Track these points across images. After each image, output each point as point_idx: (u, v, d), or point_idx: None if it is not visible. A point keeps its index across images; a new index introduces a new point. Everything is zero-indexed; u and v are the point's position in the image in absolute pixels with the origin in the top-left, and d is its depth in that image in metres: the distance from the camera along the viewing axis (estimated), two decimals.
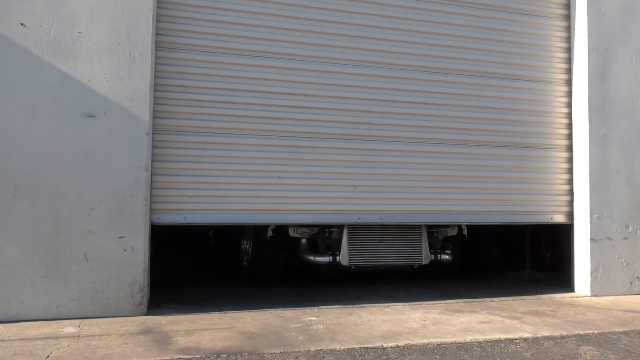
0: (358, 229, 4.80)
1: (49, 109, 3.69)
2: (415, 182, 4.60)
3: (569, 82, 5.01)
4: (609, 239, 4.79)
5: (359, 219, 4.48)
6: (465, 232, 5.37)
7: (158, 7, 4.05)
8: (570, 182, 4.97)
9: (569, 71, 5.01)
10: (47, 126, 3.68)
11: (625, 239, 4.84)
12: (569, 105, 5.00)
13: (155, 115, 4.02)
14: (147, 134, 3.85)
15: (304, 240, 4.88)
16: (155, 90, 4.02)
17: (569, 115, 5.00)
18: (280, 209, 4.29)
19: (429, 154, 4.65)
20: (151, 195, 3.93)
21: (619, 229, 4.83)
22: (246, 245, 5.47)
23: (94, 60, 3.78)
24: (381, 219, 4.53)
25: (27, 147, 3.64)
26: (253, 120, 4.26)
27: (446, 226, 5.24)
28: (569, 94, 5.00)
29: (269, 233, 4.83)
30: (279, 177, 4.27)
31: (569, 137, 4.99)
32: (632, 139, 4.93)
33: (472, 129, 4.76)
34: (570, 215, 4.95)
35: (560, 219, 4.96)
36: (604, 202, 4.80)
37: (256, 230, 5.07)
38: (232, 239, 6.39)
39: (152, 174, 3.95)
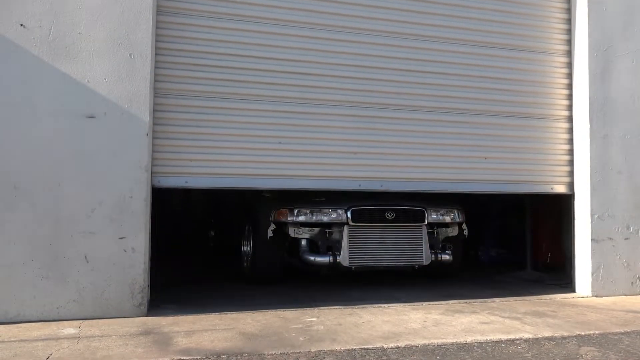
0: (358, 229, 4.80)
1: (49, 109, 3.68)
2: (415, 150, 4.62)
3: (568, 54, 5.02)
4: (610, 239, 4.78)
5: (359, 185, 4.49)
6: (465, 232, 5.37)
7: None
8: (570, 152, 4.98)
9: (569, 42, 5.02)
10: (47, 127, 3.68)
11: (626, 239, 4.83)
12: (569, 76, 5.01)
13: (156, 79, 4.02)
14: (147, 134, 3.85)
15: (304, 241, 4.87)
16: (156, 55, 4.02)
17: (569, 86, 5.01)
18: (280, 175, 4.30)
19: (430, 123, 4.67)
20: (152, 159, 3.94)
21: (620, 229, 4.82)
22: (246, 245, 5.47)
23: (94, 60, 3.78)
24: (381, 186, 4.53)
25: (27, 148, 3.64)
26: (254, 85, 4.27)
27: (446, 226, 5.23)
28: (569, 65, 5.01)
29: (269, 234, 4.83)
30: (280, 142, 4.29)
31: (569, 107, 5.00)
32: (633, 139, 4.92)
33: (472, 98, 4.78)
34: (571, 186, 4.96)
35: (560, 189, 4.97)
36: (605, 202, 4.79)
37: (256, 231, 5.07)
38: (232, 240, 6.38)
39: (152, 137, 3.96)
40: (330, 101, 4.44)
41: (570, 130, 4.99)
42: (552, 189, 4.95)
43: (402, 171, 4.58)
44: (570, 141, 4.99)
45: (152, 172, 3.93)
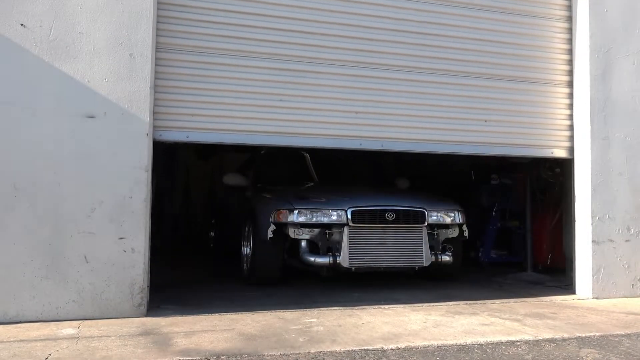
0: (358, 230, 4.79)
1: (49, 109, 3.68)
2: (416, 111, 4.63)
3: (569, 19, 5.03)
4: (611, 240, 4.77)
5: (360, 144, 4.50)
6: (466, 233, 5.36)
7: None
8: (570, 117, 5.00)
9: (569, 8, 5.03)
10: (47, 127, 3.67)
11: (627, 240, 4.82)
12: (570, 41, 5.03)
13: (158, 34, 4.03)
14: (147, 134, 3.84)
15: (304, 242, 4.86)
16: (158, 9, 4.02)
17: (570, 52, 5.03)
18: (281, 132, 4.31)
19: (431, 84, 4.68)
20: (154, 113, 3.95)
21: (620, 230, 4.81)
22: (246, 246, 5.46)
23: (94, 60, 3.78)
24: (382, 145, 4.55)
25: (27, 148, 3.63)
26: (256, 43, 4.28)
27: (447, 227, 5.22)
28: (570, 30, 5.03)
29: (269, 234, 4.82)
30: (281, 100, 4.30)
31: (570, 73, 5.02)
32: (634, 140, 4.91)
33: (473, 61, 4.79)
34: (571, 150, 4.98)
35: (560, 153, 5.00)
36: (605, 203, 4.78)
37: (256, 232, 5.06)
38: (232, 241, 6.38)
39: (155, 92, 3.97)
40: (333, 60, 4.45)
41: (571, 96, 5.01)
42: (552, 152, 4.99)
43: (403, 132, 4.60)
44: (571, 106, 5.01)
45: (154, 126, 3.95)
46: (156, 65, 4.01)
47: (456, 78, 4.74)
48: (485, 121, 4.79)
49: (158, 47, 4.03)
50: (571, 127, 4.99)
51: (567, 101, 5.01)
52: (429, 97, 4.67)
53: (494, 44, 4.85)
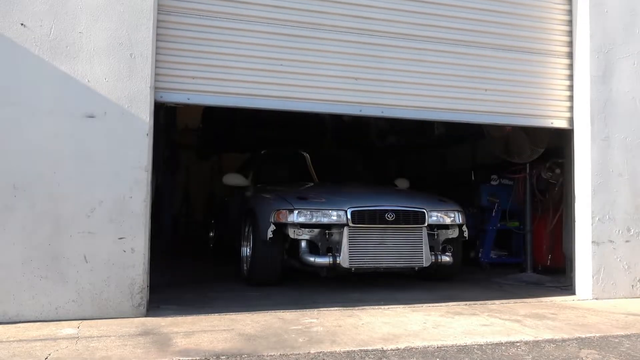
0: (358, 231, 4.79)
1: (49, 109, 3.68)
2: (416, 79, 4.64)
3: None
4: (611, 241, 4.77)
5: (360, 110, 4.51)
6: (466, 234, 5.36)
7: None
8: (570, 88, 5.01)
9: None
10: (47, 126, 3.67)
11: (627, 241, 4.82)
12: (569, 12, 5.04)
13: None
14: (147, 134, 3.84)
15: (303, 242, 4.86)
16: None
17: (569, 23, 5.04)
18: (281, 96, 4.32)
19: (431, 53, 4.69)
20: (155, 74, 3.96)
21: (620, 231, 4.81)
22: (246, 246, 5.46)
23: (94, 60, 3.78)
24: (382, 112, 4.56)
25: (27, 147, 3.63)
26: (258, 7, 4.28)
27: (446, 228, 5.22)
28: (570, 1, 5.04)
29: (269, 235, 4.82)
30: (281, 65, 4.31)
31: (570, 44, 5.04)
32: (634, 141, 4.91)
33: (474, 30, 4.79)
34: (571, 120, 4.99)
35: (560, 123, 5.01)
36: (605, 204, 4.78)
37: (256, 232, 5.06)
38: (232, 241, 6.38)
39: (155, 54, 3.97)
40: (334, 27, 4.46)
41: (570, 67, 5.03)
42: (552, 123, 5.00)
43: (403, 99, 4.61)
44: (570, 77, 5.02)
45: (155, 88, 3.96)
46: (158, 27, 4.01)
47: (457, 47, 4.75)
48: (485, 90, 4.81)
49: (160, 9, 4.03)
50: (571, 98, 5.01)
51: (567, 72, 5.03)
52: (429, 65, 4.68)
53: (494, 14, 4.86)
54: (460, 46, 4.76)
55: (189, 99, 4.11)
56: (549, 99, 4.99)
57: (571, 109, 5.01)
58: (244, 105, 4.29)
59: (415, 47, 4.65)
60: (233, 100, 4.23)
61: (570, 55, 5.03)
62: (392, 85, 4.58)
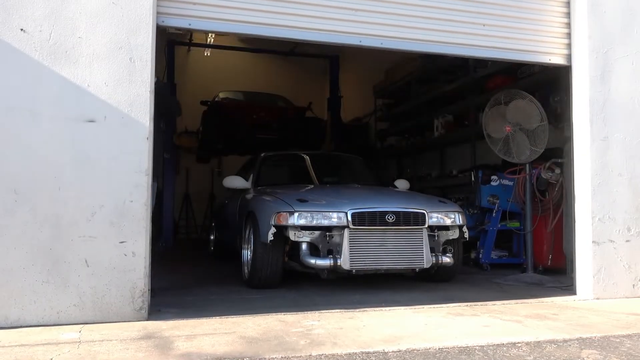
0: (359, 232, 4.79)
1: (49, 113, 3.69)
2: (416, 11, 4.65)
3: None
4: (611, 241, 4.77)
5: (360, 42, 4.53)
6: (466, 235, 5.36)
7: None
8: (568, 26, 5.04)
9: None
10: (47, 131, 3.68)
11: (627, 241, 4.82)
12: None
13: None
14: (147, 138, 3.85)
15: (304, 244, 4.86)
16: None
17: None
18: (280, 25, 4.33)
19: None
20: None
21: (620, 231, 4.81)
22: (247, 249, 5.46)
23: (94, 65, 3.79)
24: (382, 44, 4.57)
25: (27, 152, 3.64)
26: None
27: (447, 229, 5.22)
28: None
29: (270, 237, 4.82)
30: None
31: None
32: (634, 140, 4.91)
33: None
34: (568, 57, 5.03)
35: (558, 60, 5.04)
36: (605, 204, 4.78)
37: (256, 234, 5.06)
38: (232, 244, 6.38)
39: None
40: None
41: (567, 5, 5.06)
42: (549, 60, 5.03)
43: (403, 31, 4.62)
44: (568, 15, 5.05)
45: (157, 12, 3.98)
46: None
47: None
48: (484, 25, 4.82)
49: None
50: (568, 35, 5.04)
51: (565, 9, 5.05)
52: None
53: None
54: None
55: (190, 25, 4.16)
56: (547, 36, 5.02)
57: (569, 46, 5.04)
58: (242, 32, 4.33)
59: None
60: (233, 27, 4.27)
61: None
62: (392, 17, 4.59)
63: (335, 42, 4.58)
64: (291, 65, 14.58)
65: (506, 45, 4.92)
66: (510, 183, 6.57)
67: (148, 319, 3.78)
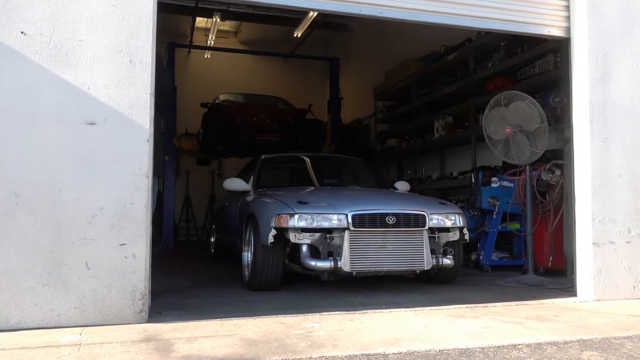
0: (359, 234, 4.79)
1: (49, 116, 3.69)
2: None
3: None
4: (612, 242, 4.77)
5: (360, 10, 4.54)
6: (467, 236, 5.36)
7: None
8: None
9: None
10: (47, 133, 3.68)
11: (627, 242, 4.82)
12: None
13: None
14: (147, 140, 3.85)
15: (304, 246, 4.86)
16: None
17: None
18: None
19: None
20: None
21: (621, 232, 4.81)
22: (247, 251, 5.46)
23: (94, 67, 3.79)
24: (381, 13, 4.59)
25: (27, 155, 3.64)
26: None
27: (447, 231, 5.22)
28: None
29: (270, 239, 4.82)
30: None
31: None
32: (634, 142, 4.91)
33: None
34: (567, 30, 5.06)
35: (556, 32, 5.07)
36: (605, 205, 4.78)
37: (257, 237, 5.06)
38: (232, 246, 6.38)
39: None
40: None
41: None
42: (548, 32, 5.07)
43: (403, 1, 4.63)
44: None
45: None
46: None
47: None
48: None
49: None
50: (567, 8, 5.07)
51: None
52: None
53: None
54: None
55: None
56: (546, 8, 5.04)
57: (568, 19, 5.07)
58: None
59: None
60: None
61: None
62: None
63: (334, 10, 4.58)
64: (291, 67, 14.61)
65: (505, 17, 4.93)
66: (511, 185, 6.57)
67: (148, 322, 3.78)
